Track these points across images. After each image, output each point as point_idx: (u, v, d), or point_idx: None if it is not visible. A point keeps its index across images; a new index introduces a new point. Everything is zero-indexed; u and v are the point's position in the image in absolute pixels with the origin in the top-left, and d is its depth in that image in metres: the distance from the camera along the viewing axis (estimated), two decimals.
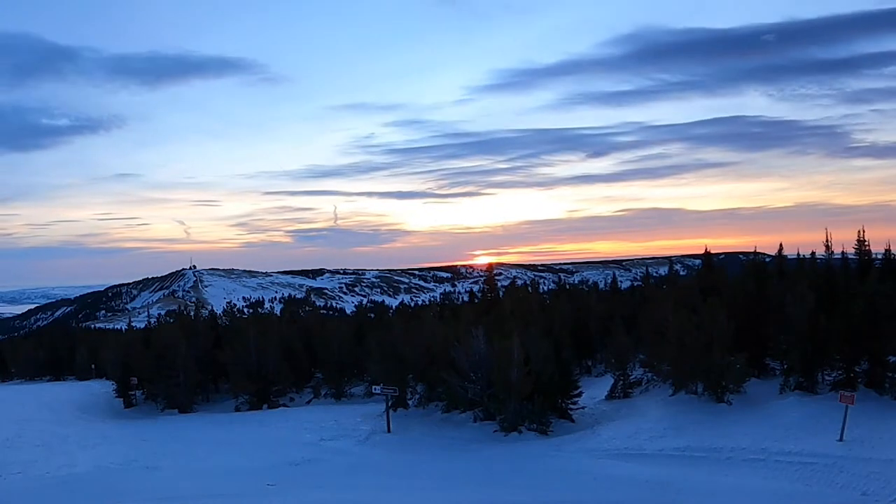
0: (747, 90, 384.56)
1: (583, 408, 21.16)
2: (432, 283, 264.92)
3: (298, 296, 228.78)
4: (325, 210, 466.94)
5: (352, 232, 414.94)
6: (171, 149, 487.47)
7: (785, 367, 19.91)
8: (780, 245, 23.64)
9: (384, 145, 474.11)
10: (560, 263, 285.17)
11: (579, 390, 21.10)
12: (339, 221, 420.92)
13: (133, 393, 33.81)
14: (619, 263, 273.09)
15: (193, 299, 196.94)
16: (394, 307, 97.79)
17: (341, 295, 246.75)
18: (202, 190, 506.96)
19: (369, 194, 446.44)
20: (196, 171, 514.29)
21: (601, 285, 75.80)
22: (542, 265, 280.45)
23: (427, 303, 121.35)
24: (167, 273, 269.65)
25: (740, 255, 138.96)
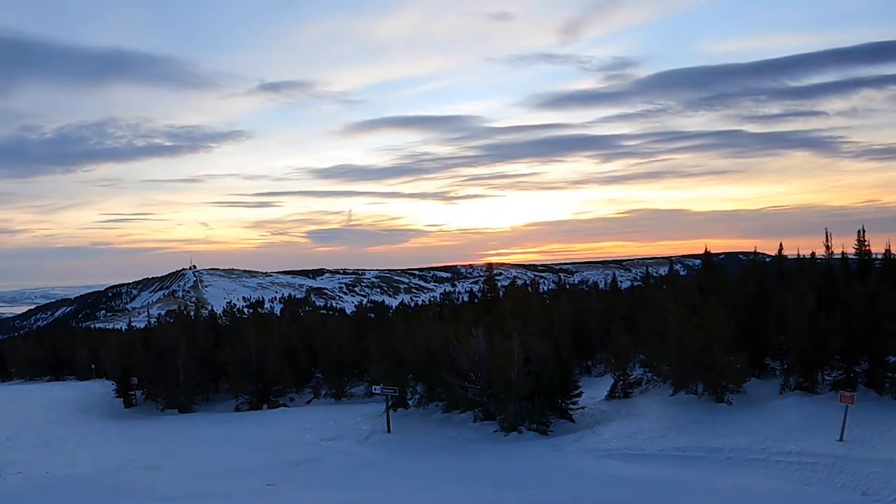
0: (736, 114, 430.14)
1: (583, 408, 21.16)
2: (432, 283, 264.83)
3: (298, 296, 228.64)
4: (342, 211, 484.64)
5: (368, 232, 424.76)
6: (207, 158, 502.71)
7: (785, 367, 19.93)
8: (780, 245, 23.63)
9: (407, 152, 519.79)
10: (560, 263, 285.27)
11: (579, 390, 21.10)
12: (353, 222, 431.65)
13: (133, 393, 33.78)
14: (619, 263, 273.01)
15: (193, 299, 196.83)
16: (394, 307, 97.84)
17: (341, 295, 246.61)
18: (220, 192, 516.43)
19: (386, 195, 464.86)
20: (217, 174, 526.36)
21: (601, 285, 75.85)
22: (542, 265, 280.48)
23: (427, 303, 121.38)
24: (167, 273, 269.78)
25: (740, 255, 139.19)
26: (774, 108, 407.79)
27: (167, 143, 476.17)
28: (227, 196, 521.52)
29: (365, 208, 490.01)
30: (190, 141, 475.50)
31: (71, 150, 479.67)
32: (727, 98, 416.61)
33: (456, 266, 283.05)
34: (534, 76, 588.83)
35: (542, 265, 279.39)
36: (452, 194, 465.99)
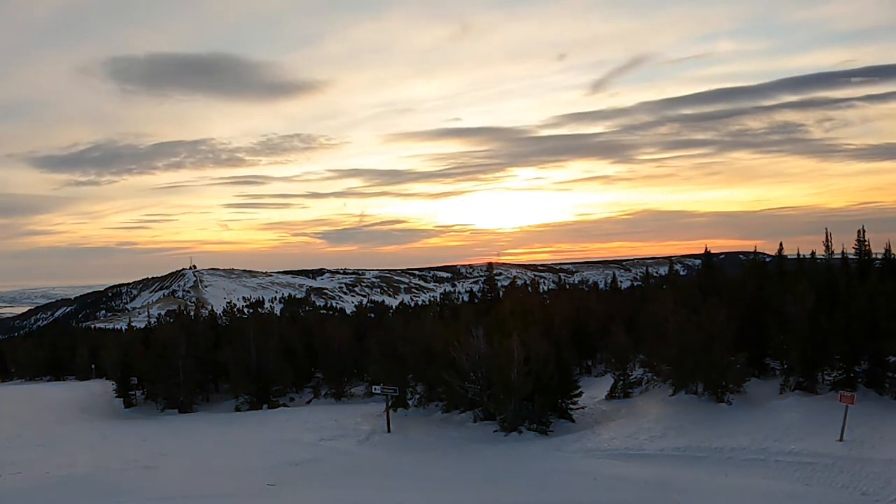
0: (730, 128, 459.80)
1: (583, 408, 21.16)
2: (432, 283, 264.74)
3: (298, 296, 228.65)
4: (361, 214, 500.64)
5: (381, 232, 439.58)
6: (267, 168, 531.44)
7: (785, 367, 19.93)
8: (781, 245, 23.66)
9: (429, 158, 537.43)
10: (560, 263, 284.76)
11: (579, 390, 21.09)
12: (365, 223, 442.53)
13: (133, 393, 33.77)
14: (619, 263, 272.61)
15: (193, 299, 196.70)
16: (394, 307, 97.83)
17: (341, 295, 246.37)
18: (255, 195, 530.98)
19: (402, 197, 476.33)
20: (268, 178, 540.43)
21: (601, 285, 75.90)
22: (542, 265, 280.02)
23: (427, 303, 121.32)
24: (167, 273, 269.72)
25: (740, 255, 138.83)
26: (763, 122, 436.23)
27: (246, 157, 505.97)
28: (261, 199, 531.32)
29: (381, 210, 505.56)
30: (268, 155, 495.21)
31: (153, 164, 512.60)
32: (719, 116, 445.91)
33: (457, 266, 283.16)
34: (550, 93, 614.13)
35: (542, 265, 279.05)
36: (464, 197, 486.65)
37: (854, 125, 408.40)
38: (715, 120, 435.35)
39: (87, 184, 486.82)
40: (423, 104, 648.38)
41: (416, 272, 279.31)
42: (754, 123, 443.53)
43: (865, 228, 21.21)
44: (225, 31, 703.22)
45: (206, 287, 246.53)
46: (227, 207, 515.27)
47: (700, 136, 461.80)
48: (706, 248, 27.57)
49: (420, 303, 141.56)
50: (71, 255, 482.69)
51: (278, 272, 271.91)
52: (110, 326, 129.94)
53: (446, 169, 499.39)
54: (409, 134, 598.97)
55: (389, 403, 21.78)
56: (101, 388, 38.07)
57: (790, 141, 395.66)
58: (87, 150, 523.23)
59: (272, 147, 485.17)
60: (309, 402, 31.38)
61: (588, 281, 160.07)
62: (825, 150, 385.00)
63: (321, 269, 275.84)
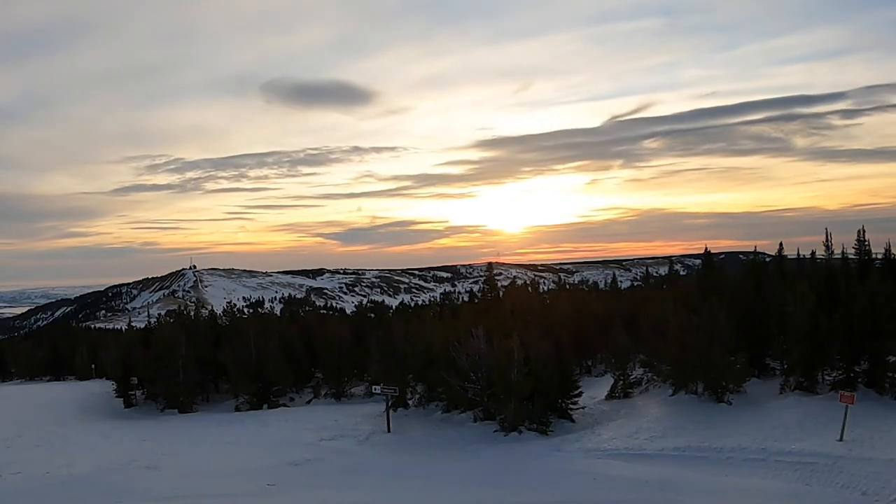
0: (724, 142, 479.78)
1: (583, 408, 21.16)
2: (432, 283, 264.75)
3: (298, 296, 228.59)
4: (376, 216, 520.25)
5: (389, 233, 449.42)
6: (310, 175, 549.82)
7: (785, 367, 19.93)
8: (781, 245, 23.65)
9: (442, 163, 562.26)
10: (560, 263, 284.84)
11: (579, 390, 21.09)
12: (376, 224, 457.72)
13: (133, 393, 33.75)
14: (619, 263, 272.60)
15: (193, 299, 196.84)
16: (394, 307, 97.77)
17: (341, 295, 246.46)
18: (275, 197, 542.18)
19: (411, 198, 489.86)
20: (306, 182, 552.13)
21: (601, 285, 75.89)
22: (541, 265, 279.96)
23: (427, 303, 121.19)
24: (167, 273, 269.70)
25: (740, 255, 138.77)
26: (752, 136, 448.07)
27: (303, 168, 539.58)
28: (285, 200, 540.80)
29: (398, 213, 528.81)
30: (320, 165, 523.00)
31: (217, 175, 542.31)
32: (713, 129, 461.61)
33: (457, 266, 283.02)
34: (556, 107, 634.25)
35: (542, 265, 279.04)
36: (471, 197, 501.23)
37: (834, 138, 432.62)
38: (709, 132, 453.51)
39: (150, 189, 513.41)
40: (448, 118, 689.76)
41: (416, 272, 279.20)
42: (744, 138, 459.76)
43: (865, 229, 21.22)
44: (307, 56, 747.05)
45: (206, 287, 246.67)
46: (254, 209, 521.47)
47: (697, 147, 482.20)
48: (706, 248, 27.58)
49: (420, 303, 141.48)
50: (88, 256, 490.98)
51: (278, 272, 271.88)
52: (110, 326, 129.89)
53: (463, 174, 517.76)
54: (436, 147, 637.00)
55: (389, 403, 21.78)
56: (101, 388, 38.02)
57: (782, 149, 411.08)
58: (170, 161, 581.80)
59: (327, 158, 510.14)
60: (309, 402, 31.35)
61: (588, 281, 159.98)
62: (817, 156, 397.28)
63: (321, 269, 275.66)
